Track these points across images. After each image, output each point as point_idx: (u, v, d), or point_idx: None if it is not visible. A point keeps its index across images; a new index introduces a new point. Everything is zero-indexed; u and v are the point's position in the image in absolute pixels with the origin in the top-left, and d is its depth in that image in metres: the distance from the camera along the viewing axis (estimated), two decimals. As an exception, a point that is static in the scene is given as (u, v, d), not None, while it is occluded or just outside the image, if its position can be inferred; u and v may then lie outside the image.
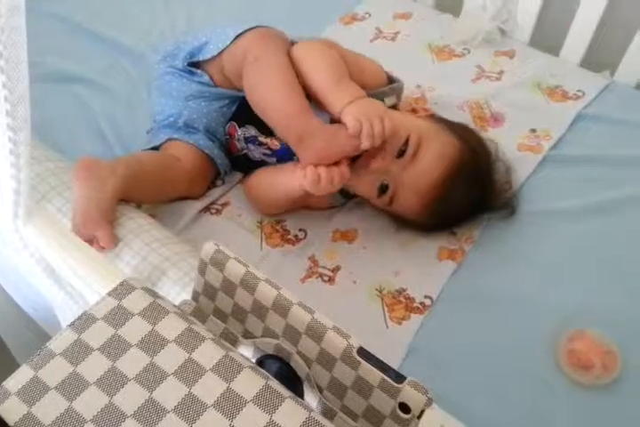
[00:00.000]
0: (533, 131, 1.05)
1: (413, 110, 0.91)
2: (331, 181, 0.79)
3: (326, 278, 0.87)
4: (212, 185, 0.97)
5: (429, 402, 0.45)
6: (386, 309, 0.84)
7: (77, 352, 0.45)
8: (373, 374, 0.47)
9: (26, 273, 0.72)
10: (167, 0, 1.29)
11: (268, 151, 0.93)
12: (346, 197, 0.93)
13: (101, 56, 1.16)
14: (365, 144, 0.78)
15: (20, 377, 0.45)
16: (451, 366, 0.79)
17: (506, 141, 0.98)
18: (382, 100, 0.90)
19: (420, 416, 0.45)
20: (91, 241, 0.69)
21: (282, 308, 0.51)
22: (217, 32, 0.94)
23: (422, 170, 0.81)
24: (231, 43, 0.90)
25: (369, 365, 0.48)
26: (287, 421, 0.42)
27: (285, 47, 0.88)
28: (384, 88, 0.91)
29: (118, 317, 0.47)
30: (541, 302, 0.83)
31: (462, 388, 0.76)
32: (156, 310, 0.48)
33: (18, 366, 0.46)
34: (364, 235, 0.92)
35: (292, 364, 0.53)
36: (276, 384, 0.45)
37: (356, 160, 0.83)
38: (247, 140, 0.93)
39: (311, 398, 0.52)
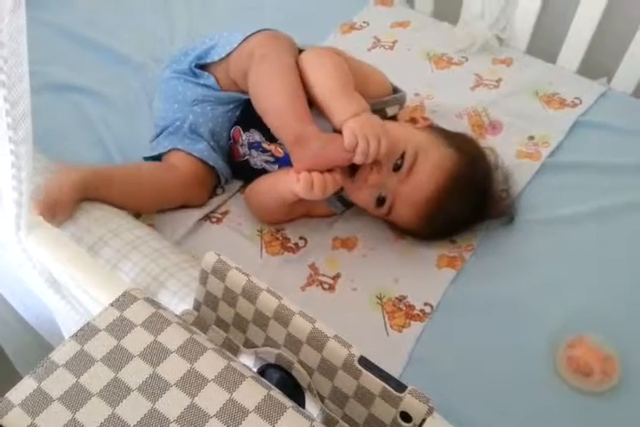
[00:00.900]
0: (532, 138, 1.05)
1: (413, 120, 0.91)
2: (323, 187, 0.79)
3: (327, 286, 0.88)
4: (213, 194, 0.98)
5: (430, 411, 0.45)
6: (386, 316, 0.84)
7: (80, 363, 0.46)
8: (375, 383, 0.48)
9: (28, 284, 0.72)
10: (167, 10, 1.30)
11: (270, 158, 0.93)
12: (345, 205, 0.94)
13: (101, 66, 1.17)
14: (357, 160, 0.79)
15: (24, 389, 0.45)
16: (451, 373, 0.79)
17: (504, 149, 0.99)
18: (384, 110, 0.91)
19: (421, 425, 0.45)
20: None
21: (283, 317, 0.51)
22: (225, 36, 0.95)
23: (418, 184, 0.81)
24: (239, 45, 0.91)
25: (370, 374, 0.48)
26: (289, 430, 0.43)
27: (293, 50, 0.88)
28: (387, 98, 0.92)
29: (121, 327, 0.47)
30: (540, 309, 0.84)
31: (463, 395, 0.76)
32: (158, 321, 0.48)
33: (19, 376, 0.46)
34: (363, 243, 0.92)
35: (293, 373, 0.53)
36: (277, 394, 0.45)
37: (354, 172, 0.83)
38: (251, 145, 0.94)
39: (313, 407, 0.52)
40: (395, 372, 0.78)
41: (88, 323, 0.48)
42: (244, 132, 0.93)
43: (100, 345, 0.46)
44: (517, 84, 1.15)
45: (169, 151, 0.93)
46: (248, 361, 0.56)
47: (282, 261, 0.90)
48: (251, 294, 0.53)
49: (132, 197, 0.85)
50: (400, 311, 0.84)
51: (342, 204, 0.93)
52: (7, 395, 0.45)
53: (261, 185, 0.92)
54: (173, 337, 0.47)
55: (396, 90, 0.95)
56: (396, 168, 0.82)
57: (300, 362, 0.52)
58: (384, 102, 0.91)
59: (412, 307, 0.85)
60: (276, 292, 0.53)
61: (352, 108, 0.81)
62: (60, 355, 0.47)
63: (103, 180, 0.82)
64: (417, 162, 0.81)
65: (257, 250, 0.92)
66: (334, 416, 0.51)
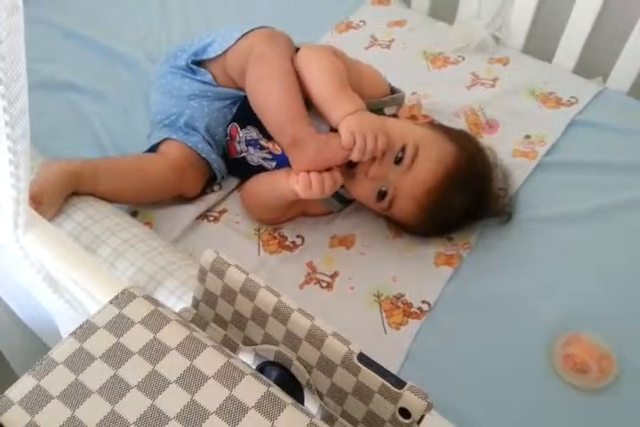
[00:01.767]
0: (528, 137, 1.06)
1: (413, 117, 0.91)
2: (322, 186, 0.80)
3: (324, 284, 0.88)
4: (210, 190, 0.98)
5: (429, 407, 0.45)
6: (384, 314, 0.84)
7: (79, 361, 0.45)
8: (374, 380, 0.48)
9: (25, 283, 0.72)
10: (163, 8, 1.29)
11: (268, 155, 0.93)
12: (343, 202, 0.94)
13: (97, 63, 1.17)
14: (355, 157, 0.80)
15: (23, 386, 0.45)
16: (448, 370, 0.79)
17: (501, 148, 0.99)
18: (382, 110, 0.91)
19: (419, 421, 0.45)
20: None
21: (282, 314, 0.51)
22: (222, 33, 0.95)
23: (419, 176, 0.82)
24: (236, 42, 0.91)
25: (369, 370, 0.48)
26: (289, 427, 0.43)
27: (290, 50, 0.89)
28: (385, 98, 0.92)
29: (120, 325, 0.47)
30: (537, 307, 0.84)
31: (460, 392, 0.76)
32: (157, 318, 0.48)
33: (16, 377, 0.46)
34: (361, 241, 0.93)
35: (292, 370, 0.53)
36: (277, 391, 0.45)
37: (354, 166, 0.83)
38: (248, 142, 0.94)
39: (312, 404, 0.52)
40: (392, 369, 0.77)
41: (87, 321, 0.48)
42: (242, 129, 0.93)
43: (100, 343, 0.46)
44: (514, 83, 1.15)
45: (162, 141, 0.93)
46: (247, 358, 0.56)
47: (280, 260, 0.90)
48: (249, 291, 0.53)
49: (120, 186, 0.85)
50: (398, 309, 0.84)
51: (340, 202, 0.94)
52: (6, 392, 0.45)
53: (259, 184, 0.92)
54: (173, 334, 0.47)
55: (394, 90, 0.95)
56: (397, 161, 0.82)
57: (299, 359, 0.52)
58: (382, 102, 0.92)
59: (409, 305, 0.85)
60: (275, 289, 0.53)
61: (348, 106, 0.81)
62: (60, 352, 0.46)
63: (89, 170, 0.82)
64: (418, 155, 0.82)
65: (255, 248, 0.92)
66: (333, 413, 0.51)
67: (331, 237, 0.93)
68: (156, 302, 0.50)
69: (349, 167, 0.84)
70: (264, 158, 0.94)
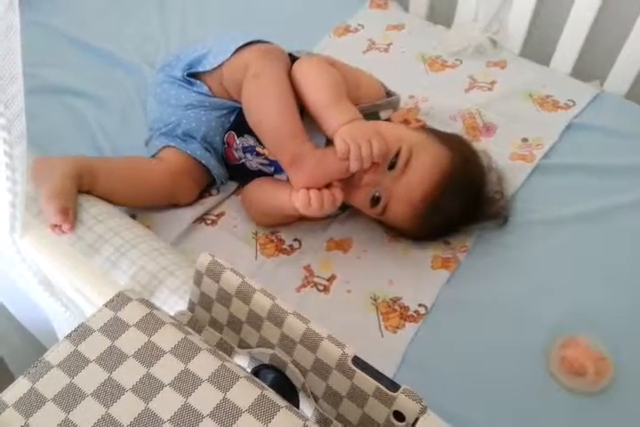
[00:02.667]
0: (525, 140, 1.06)
1: (405, 121, 0.92)
2: (321, 204, 0.80)
3: (321, 288, 0.88)
4: (208, 194, 0.98)
5: (423, 410, 0.45)
6: (381, 317, 0.84)
7: (74, 364, 0.46)
8: (368, 383, 0.48)
9: (22, 286, 0.72)
10: (161, 12, 1.30)
11: (265, 161, 0.93)
12: (340, 207, 0.94)
13: (95, 68, 1.17)
14: (354, 166, 0.79)
15: (17, 389, 0.45)
16: (445, 374, 0.79)
17: (498, 151, 0.99)
18: (378, 113, 0.91)
19: (414, 424, 0.45)
20: (59, 227, 0.72)
21: (277, 318, 0.52)
22: (217, 44, 0.95)
23: (413, 181, 0.82)
24: (232, 55, 0.91)
25: (364, 373, 0.48)
26: (283, 430, 0.43)
27: (285, 65, 0.89)
28: (380, 101, 0.92)
29: (115, 328, 0.48)
30: (534, 310, 0.84)
31: (457, 396, 0.76)
32: (152, 321, 0.48)
33: (13, 377, 0.46)
34: (358, 244, 0.93)
35: (287, 373, 0.54)
36: (271, 394, 0.46)
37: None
38: (245, 149, 0.94)
39: (307, 407, 0.52)
40: (389, 372, 0.78)
41: (82, 324, 0.48)
42: (238, 137, 0.94)
43: (94, 346, 0.47)
44: (511, 86, 1.15)
45: (162, 149, 0.93)
46: (242, 362, 0.56)
47: (277, 263, 0.90)
48: (245, 294, 0.53)
49: (117, 188, 0.85)
50: (394, 312, 0.84)
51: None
52: (1, 395, 0.45)
53: (261, 192, 0.92)
54: (167, 337, 0.47)
55: (389, 93, 0.95)
56: (391, 166, 0.82)
57: (294, 362, 0.52)
58: (377, 106, 0.92)
59: (406, 308, 0.85)
60: (270, 292, 0.53)
61: (343, 117, 0.82)
62: (55, 355, 0.47)
63: (91, 167, 0.82)
64: (411, 160, 0.82)
65: (252, 252, 0.92)
66: (328, 416, 0.51)
67: (328, 241, 0.93)
68: (151, 306, 0.50)
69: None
70: (262, 164, 0.94)
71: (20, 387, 0.45)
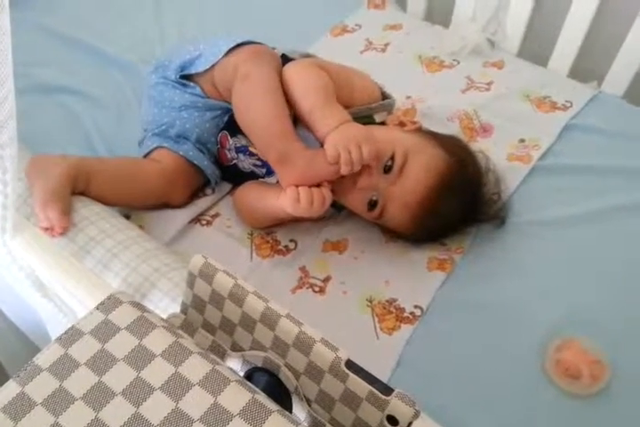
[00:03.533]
0: (522, 141, 1.06)
1: (401, 123, 0.91)
2: (310, 201, 0.79)
3: (317, 289, 0.87)
4: (202, 194, 0.97)
5: (417, 414, 0.45)
6: (376, 319, 0.84)
7: (64, 367, 0.45)
8: (361, 387, 0.47)
9: (15, 286, 0.72)
10: (158, 11, 1.29)
11: (258, 162, 0.93)
12: (336, 208, 0.94)
13: (90, 67, 1.16)
14: (344, 171, 0.79)
15: (7, 393, 0.45)
16: (441, 376, 0.79)
17: (495, 152, 0.99)
18: (372, 117, 0.91)
19: (407, 429, 0.45)
20: (52, 229, 0.72)
21: (270, 320, 0.51)
22: (209, 45, 0.94)
23: (410, 185, 0.81)
24: (223, 56, 0.90)
25: (357, 377, 0.48)
26: (274, 434, 0.42)
27: (276, 66, 0.88)
28: (374, 104, 0.92)
29: (105, 331, 0.47)
30: (531, 312, 0.84)
31: (452, 398, 0.76)
32: (143, 325, 0.48)
33: (9, 378, 0.45)
34: (354, 245, 0.92)
35: (280, 377, 0.53)
36: (262, 398, 0.45)
37: (343, 176, 0.83)
38: (238, 149, 0.93)
39: (300, 410, 0.52)
40: (384, 375, 0.78)
41: (72, 326, 0.48)
42: (232, 137, 0.93)
43: (85, 349, 0.46)
44: (508, 87, 1.15)
45: (155, 149, 0.93)
46: (235, 365, 0.55)
47: (272, 264, 0.90)
48: (238, 296, 0.52)
49: (110, 188, 0.84)
50: (390, 314, 0.84)
51: (333, 207, 0.93)
52: (-10, 399, 0.44)
53: (251, 196, 0.92)
54: (158, 341, 0.46)
55: (385, 96, 0.95)
56: (387, 170, 0.82)
57: (287, 365, 0.52)
58: (371, 109, 0.91)
59: (402, 310, 0.84)
60: (263, 295, 0.53)
61: (333, 121, 0.81)
62: (44, 358, 0.46)
63: (85, 168, 0.81)
64: (407, 163, 0.81)
65: (247, 253, 0.91)
66: (321, 420, 0.51)
67: (324, 242, 0.93)
68: (142, 308, 0.50)
69: (339, 179, 0.83)
70: (254, 165, 0.94)
71: (9, 391, 0.45)
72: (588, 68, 1.17)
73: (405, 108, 1.09)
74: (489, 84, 1.16)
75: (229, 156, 0.95)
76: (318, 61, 0.92)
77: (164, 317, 0.54)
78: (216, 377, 0.45)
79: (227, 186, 0.99)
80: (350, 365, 0.48)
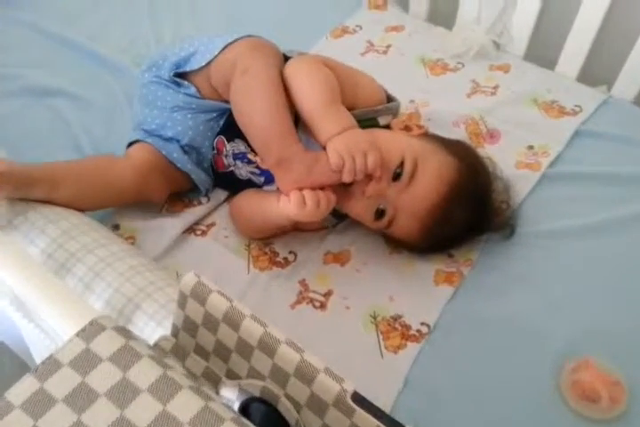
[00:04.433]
0: (531, 148, 1.01)
1: (407, 128, 0.87)
2: (317, 204, 0.75)
3: (318, 304, 0.83)
4: (197, 202, 0.93)
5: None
6: (381, 337, 0.79)
7: (39, 404, 0.41)
8: (368, 422, 0.44)
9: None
10: (152, 11, 1.25)
11: (256, 170, 0.89)
12: (338, 217, 0.89)
13: (81, 68, 1.13)
14: (346, 179, 0.75)
15: (-25, 432, 0.40)
16: (449, 397, 0.74)
17: (503, 159, 0.94)
18: (376, 120, 0.87)
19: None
20: None
21: (268, 347, 0.47)
22: (205, 42, 0.90)
23: (421, 193, 0.77)
24: (219, 53, 0.86)
25: (364, 412, 0.44)
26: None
27: (277, 60, 0.84)
28: (379, 107, 0.87)
29: (86, 362, 0.43)
30: (544, 329, 0.79)
31: (461, 421, 0.72)
32: (127, 354, 0.43)
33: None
34: (357, 257, 0.88)
35: (279, 408, 0.49)
36: (260, 438, 0.41)
37: (350, 184, 0.78)
38: (235, 156, 0.89)
39: (301, 446, 0.48)
40: (390, 396, 0.74)
41: (50, 356, 0.43)
42: (229, 142, 0.89)
43: (62, 383, 0.41)
44: (515, 91, 1.11)
45: (136, 143, 0.89)
46: (231, 394, 0.51)
47: (270, 277, 0.85)
48: (233, 320, 0.48)
49: (79, 192, 0.79)
50: (395, 331, 0.80)
51: (334, 216, 0.89)
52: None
53: (250, 206, 0.87)
54: (144, 373, 0.42)
55: (390, 98, 0.91)
56: (396, 177, 0.77)
57: (287, 396, 0.48)
58: (375, 112, 0.87)
59: (407, 327, 0.80)
60: (262, 314, 0.49)
61: (336, 126, 0.77)
62: (17, 393, 0.42)
63: (44, 176, 0.76)
64: (417, 170, 0.77)
65: (244, 265, 0.87)
66: (324, 458, 0.46)
67: (325, 254, 0.88)
68: (127, 335, 0.45)
69: (344, 185, 0.79)
70: (252, 173, 0.89)
71: (-22, 429, 0.40)
72: (597, 71, 1.14)
73: (409, 112, 1.05)
74: (495, 88, 1.12)
75: (226, 162, 0.91)
76: (322, 58, 0.87)
77: (151, 342, 0.49)
78: (209, 416, 0.40)
79: (222, 194, 0.95)
80: (357, 398, 0.44)
